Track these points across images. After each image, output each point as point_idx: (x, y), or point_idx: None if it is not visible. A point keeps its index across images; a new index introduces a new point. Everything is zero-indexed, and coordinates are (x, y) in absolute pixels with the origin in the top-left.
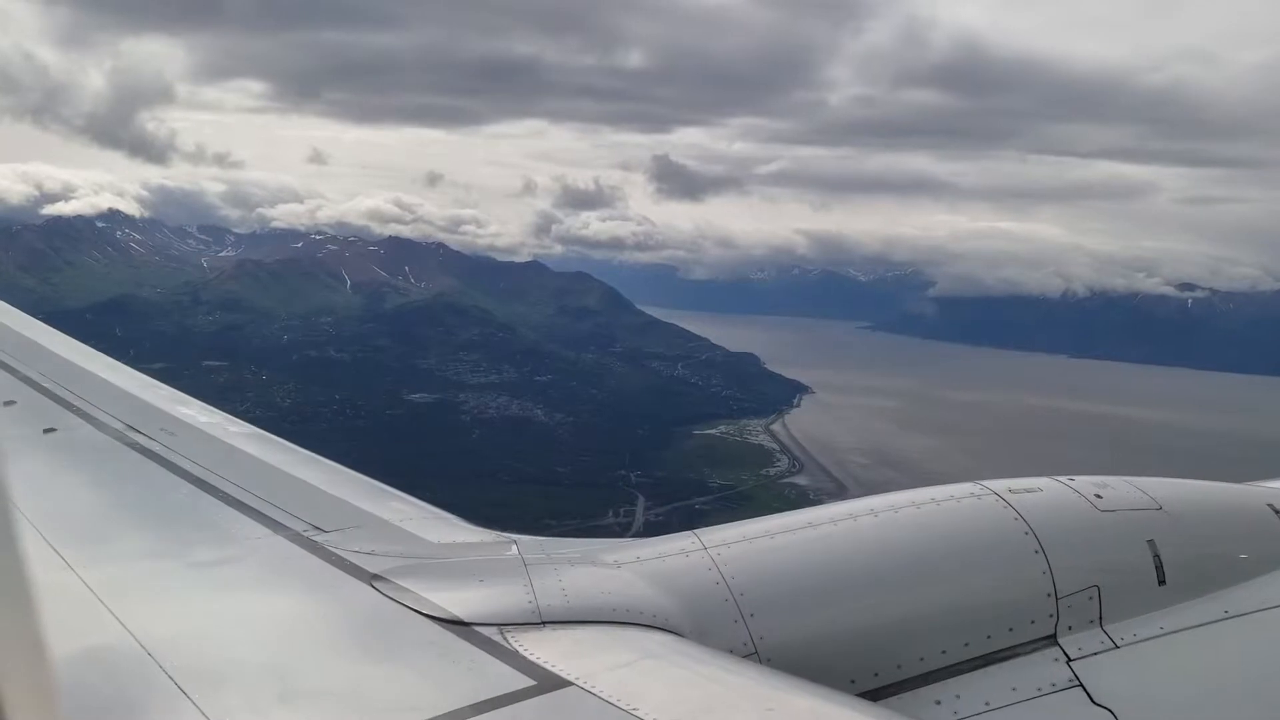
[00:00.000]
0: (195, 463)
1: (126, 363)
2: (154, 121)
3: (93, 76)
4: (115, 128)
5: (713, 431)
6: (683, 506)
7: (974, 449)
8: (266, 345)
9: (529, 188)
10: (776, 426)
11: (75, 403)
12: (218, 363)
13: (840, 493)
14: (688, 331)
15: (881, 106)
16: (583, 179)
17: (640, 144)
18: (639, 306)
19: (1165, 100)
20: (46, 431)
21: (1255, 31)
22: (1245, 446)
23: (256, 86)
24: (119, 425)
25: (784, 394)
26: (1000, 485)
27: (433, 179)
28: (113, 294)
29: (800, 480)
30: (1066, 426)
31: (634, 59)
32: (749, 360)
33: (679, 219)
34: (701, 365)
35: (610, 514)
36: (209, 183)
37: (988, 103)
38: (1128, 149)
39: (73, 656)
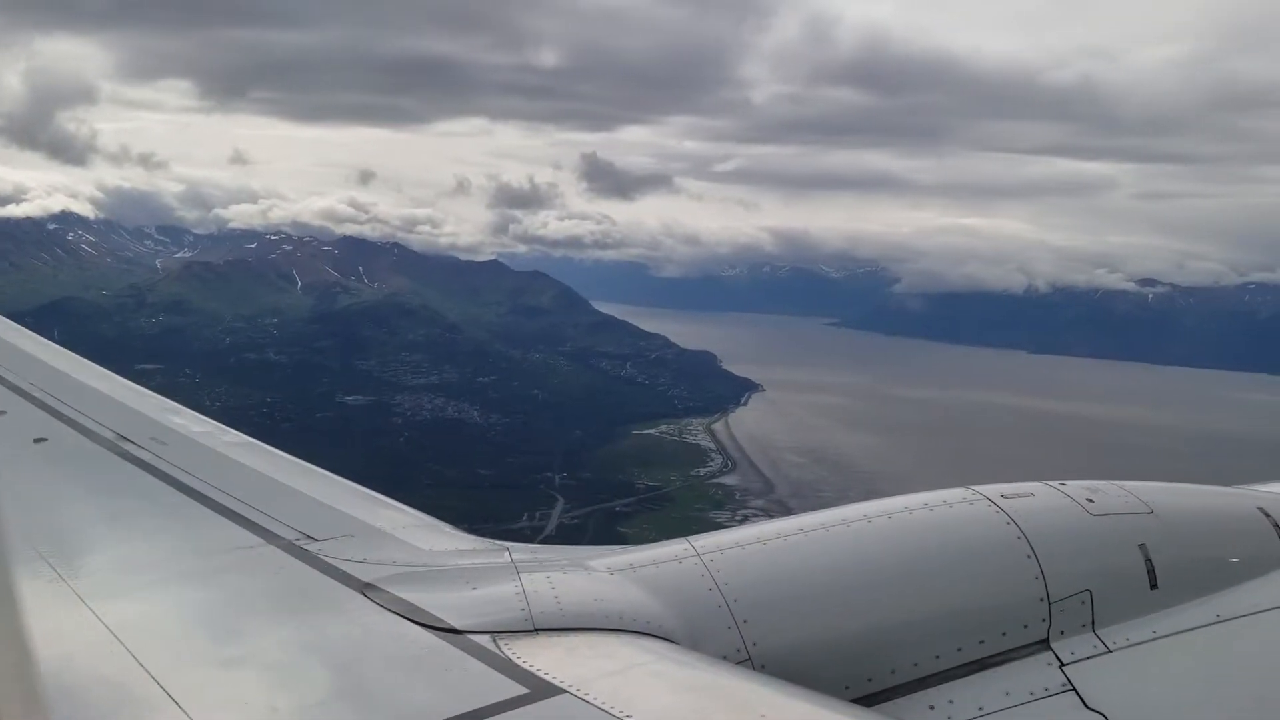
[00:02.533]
0: (186, 472)
1: None
2: (75, 122)
3: (6, 76)
4: (34, 128)
5: (652, 431)
6: (603, 509)
7: (913, 447)
8: (207, 348)
9: (463, 186)
10: (718, 425)
11: (66, 412)
12: (152, 366)
13: (768, 492)
14: (642, 330)
15: (810, 104)
16: (537, 176)
17: (591, 142)
18: (605, 304)
19: (1079, 97)
20: (37, 441)
21: (1150, 32)
22: (1192, 442)
23: (185, 85)
24: (110, 435)
25: (734, 392)
26: (992, 490)
27: (365, 176)
28: (56, 296)
29: (729, 480)
30: (1012, 423)
31: (548, 58)
32: (704, 358)
33: (644, 216)
34: (651, 364)
35: (525, 517)
36: (166, 183)
37: (911, 99)
38: (1068, 145)
39: (63, 666)
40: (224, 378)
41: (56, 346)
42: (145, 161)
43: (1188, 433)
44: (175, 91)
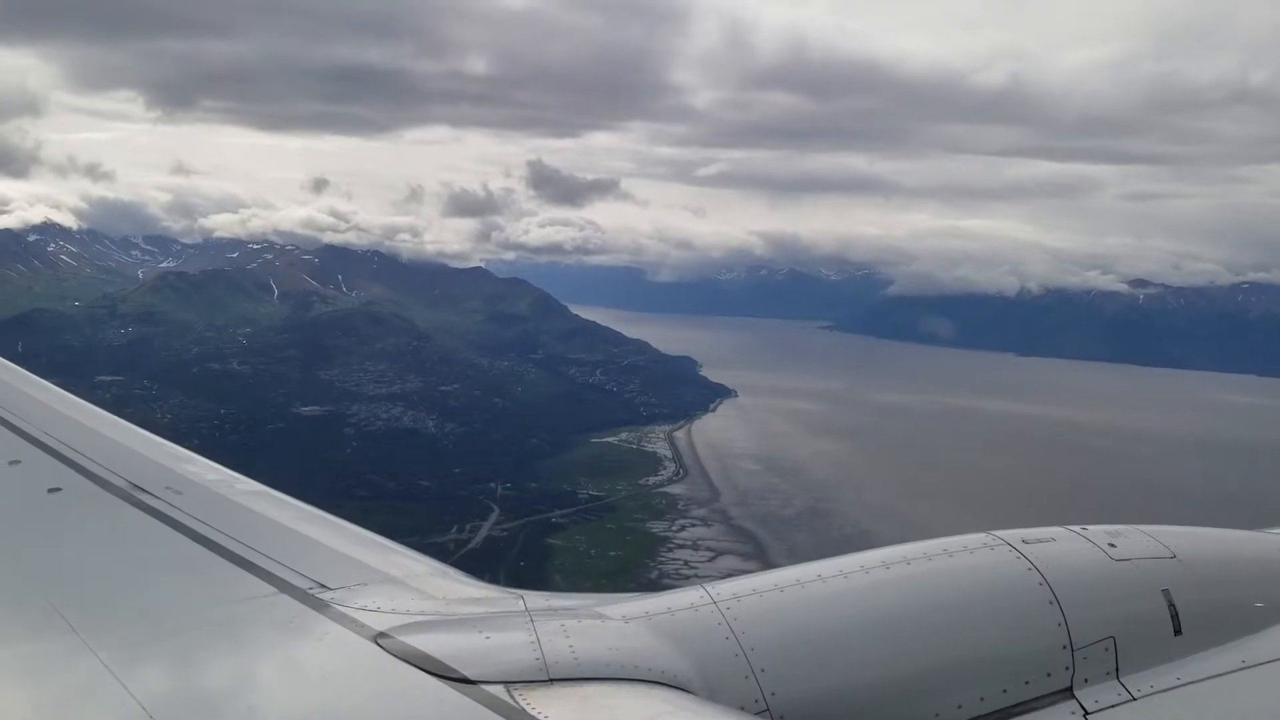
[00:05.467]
0: (201, 521)
1: None
2: (19, 133)
3: None
4: None
5: (611, 439)
6: (538, 520)
7: (872, 453)
8: (172, 359)
9: (415, 194)
10: (680, 433)
11: (80, 461)
12: (112, 377)
13: (712, 500)
14: (621, 335)
15: (754, 109)
16: (492, 183)
17: (562, 148)
18: (596, 310)
19: (1013, 98)
20: (51, 491)
21: (1065, 35)
22: (1155, 444)
23: (132, 94)
24: (124, 484)
25: (704, 398)
26: (1013, 536)
27: (319, 185)
28: (27, 308)
29: (676, 489)
30: (983, 427)
31: (479, 65)
32: (683, 364)
33: (634, 221)
34: (622, 370)
35: (454, 529)
36: (151, 192)
37: (855, 102)
38: (1040, 147)
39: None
40: (182, 389)
41: (70, 395)
42: (92, 172)
43: (1171, 439)
44: (126, 101)
